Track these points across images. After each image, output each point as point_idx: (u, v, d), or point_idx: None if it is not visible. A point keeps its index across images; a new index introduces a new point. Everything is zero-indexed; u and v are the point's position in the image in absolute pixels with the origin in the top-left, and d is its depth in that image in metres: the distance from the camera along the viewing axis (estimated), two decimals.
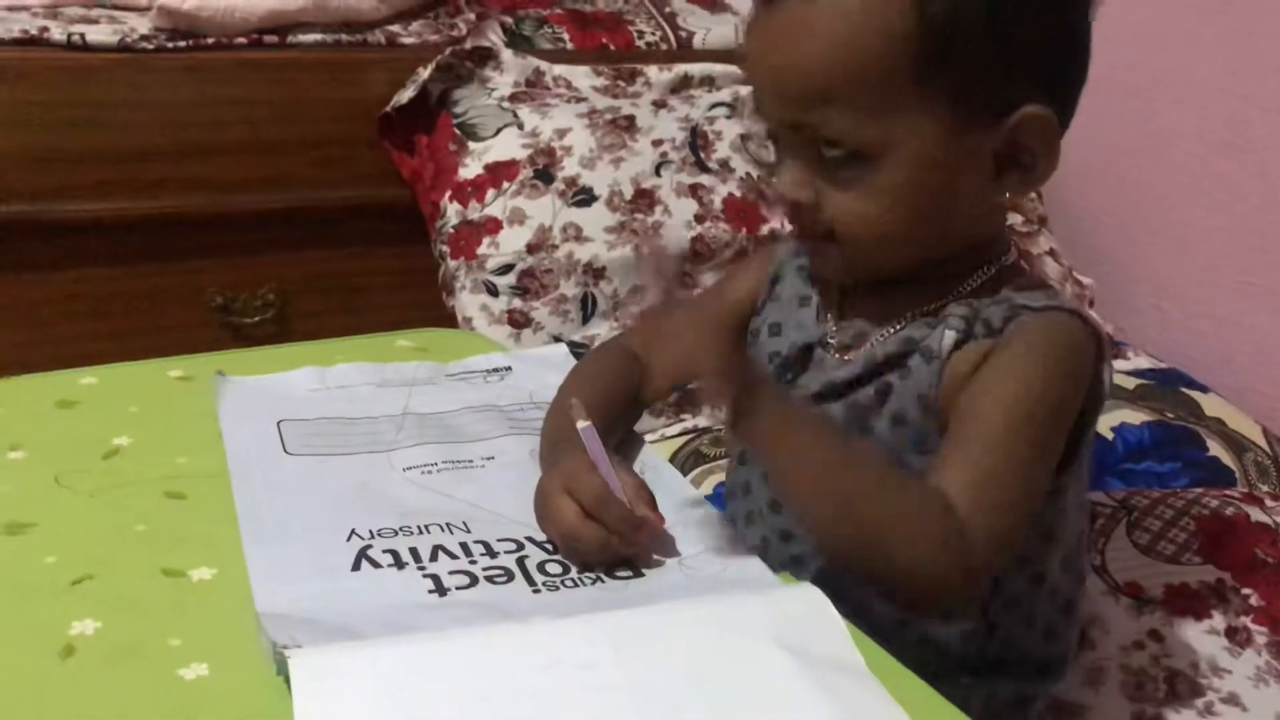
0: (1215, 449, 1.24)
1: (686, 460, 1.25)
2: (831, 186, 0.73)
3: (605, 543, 0.69)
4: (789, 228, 0.82)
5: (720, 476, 1.15)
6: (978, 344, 0.73)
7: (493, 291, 1.35)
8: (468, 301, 1.35)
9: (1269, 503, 1.10)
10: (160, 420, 0.85)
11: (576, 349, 1.32)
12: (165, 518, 0.73)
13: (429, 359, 0.99)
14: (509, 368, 0.98)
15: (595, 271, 1.35)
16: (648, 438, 1.27)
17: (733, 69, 1.59)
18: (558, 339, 1.33)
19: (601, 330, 1.35)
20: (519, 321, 1.34)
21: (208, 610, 0.64)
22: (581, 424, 0.73)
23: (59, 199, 1.42)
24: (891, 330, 0.77)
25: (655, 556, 0.71)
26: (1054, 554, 0.78)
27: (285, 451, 0.82)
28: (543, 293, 1.35)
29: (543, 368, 0.98)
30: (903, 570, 0.66)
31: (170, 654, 0.60)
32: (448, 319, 1.40)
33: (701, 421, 1.30)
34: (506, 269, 1.35)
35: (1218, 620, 0.98)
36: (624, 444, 0.85)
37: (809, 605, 0.63)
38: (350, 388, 0.93)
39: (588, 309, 1.35)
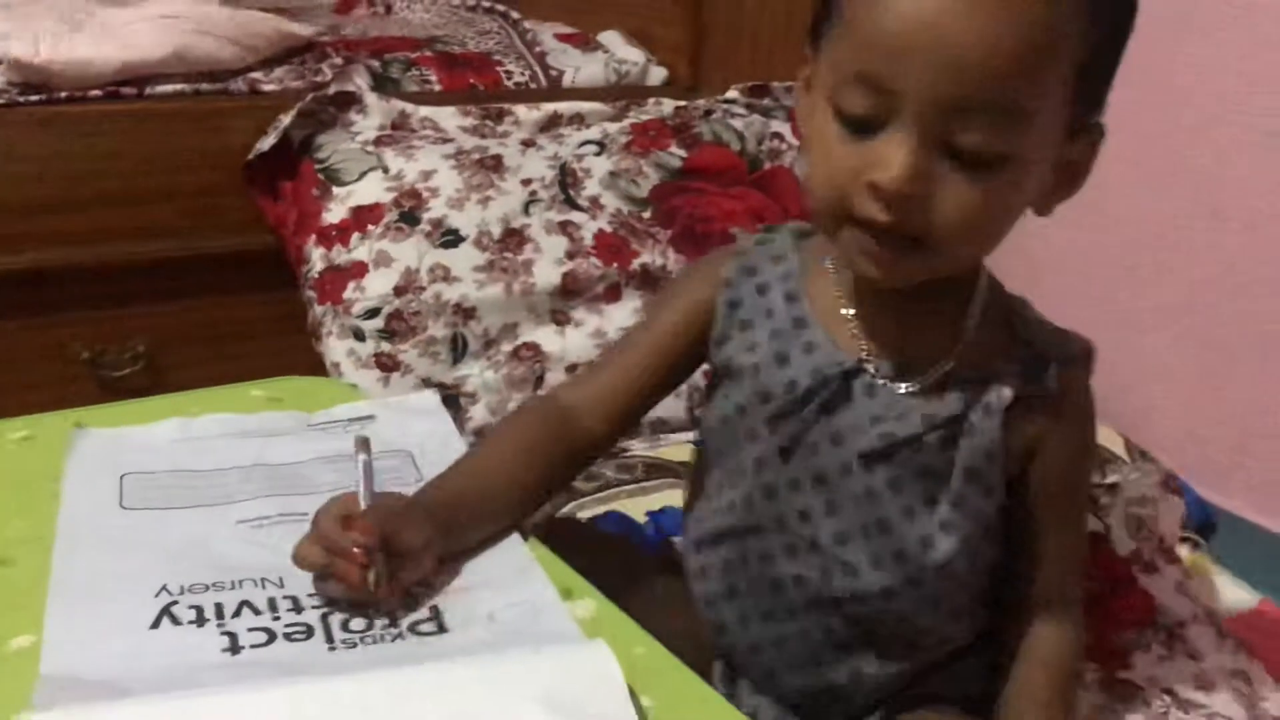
0: None
1: None
2: (951, 183, 0.67)
3: (323, 563, 0.69)
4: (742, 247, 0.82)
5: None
6: (1033, 410, 0.77)
7: (359, 336, 1.34)
8: (335, 347, 1.35)
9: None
10: None
11: (446, 390, 1.33)
12: None
13: (283, 409, 0.98)
14: (372, 416, 0.97)
15: (465, 311, 1.35)
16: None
17: (601, 106, 1.61)
18: (427, 381, 1.33)
19: (473, 370, 1.35)
20: (387, 365, 1.34)
21: (22, 679, 0.63)
22: (361, 457, 0.75)
23: None
24: (938, 368, 0.76)
25: (463, 611, 0.70)
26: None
27: (121, 506, 0.81)
28: (411, 335, 1.34)
29: (408, 415, 0.96)
30: None
31: None
32: (321, 365, 1.39)
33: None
34: (373, 313, 1.34)
35: None
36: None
37: (591, 664, 0.62)
38: (206, 439, 0.92)
39: (458, 349, 1.35)
